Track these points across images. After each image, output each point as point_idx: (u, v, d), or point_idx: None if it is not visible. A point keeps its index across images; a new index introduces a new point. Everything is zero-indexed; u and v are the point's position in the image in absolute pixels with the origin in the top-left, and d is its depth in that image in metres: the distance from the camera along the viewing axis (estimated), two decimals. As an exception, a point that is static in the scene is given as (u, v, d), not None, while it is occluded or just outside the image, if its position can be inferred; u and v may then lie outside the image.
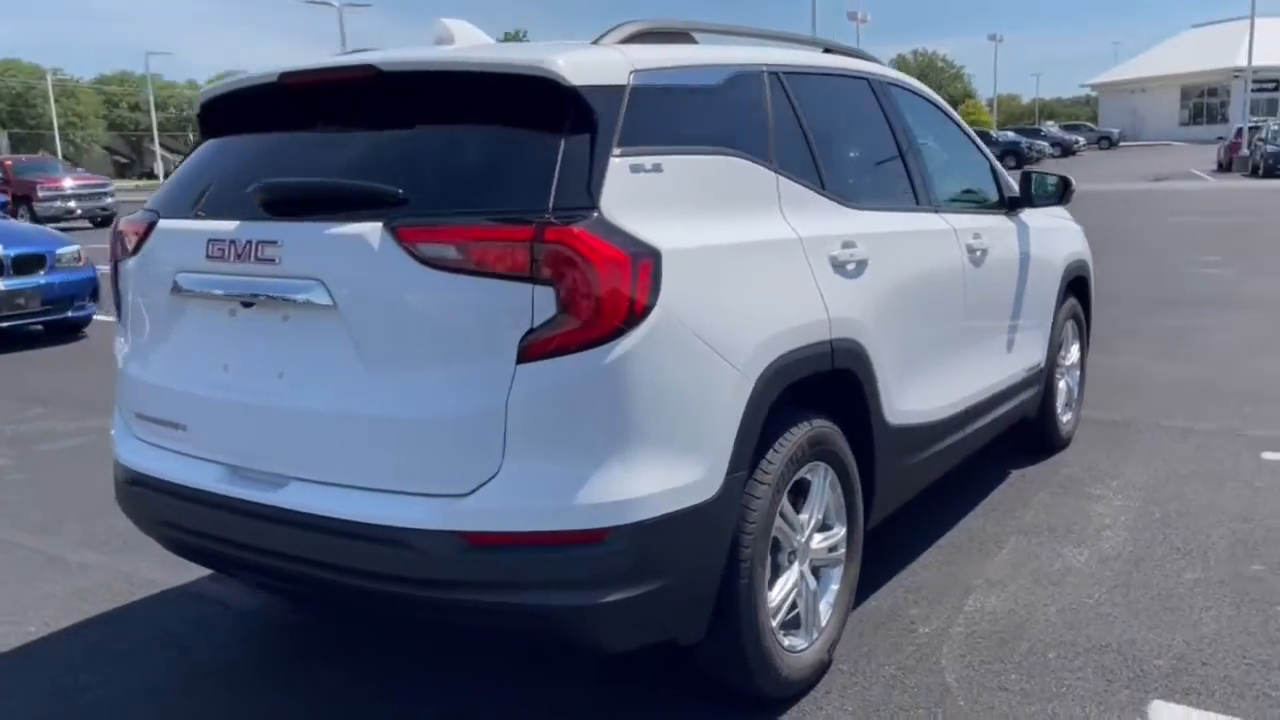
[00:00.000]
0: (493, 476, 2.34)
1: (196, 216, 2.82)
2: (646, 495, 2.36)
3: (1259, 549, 3.89)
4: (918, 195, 3.78)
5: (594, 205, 2.34)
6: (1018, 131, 54.57)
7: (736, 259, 2.67)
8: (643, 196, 2.45)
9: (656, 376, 2.37)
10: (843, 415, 3.06)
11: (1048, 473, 4.89)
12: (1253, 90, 64.43)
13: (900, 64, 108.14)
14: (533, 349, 2.30)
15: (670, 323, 2.39)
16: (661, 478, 2.39)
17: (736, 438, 2.56)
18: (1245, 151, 34.22)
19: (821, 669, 3.01)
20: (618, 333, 2.30)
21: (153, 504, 2.90)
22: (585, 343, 2.29)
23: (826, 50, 3.83)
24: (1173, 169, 35.85)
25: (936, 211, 3.85)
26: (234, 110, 3.00)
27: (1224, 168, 35.41)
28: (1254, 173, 31.35)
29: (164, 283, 2.81)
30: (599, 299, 2.27)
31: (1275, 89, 59.92)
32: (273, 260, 2.54)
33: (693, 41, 3.08)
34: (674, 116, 2.73)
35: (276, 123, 2.88)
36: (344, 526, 2.45)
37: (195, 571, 3.90)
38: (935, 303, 3.69)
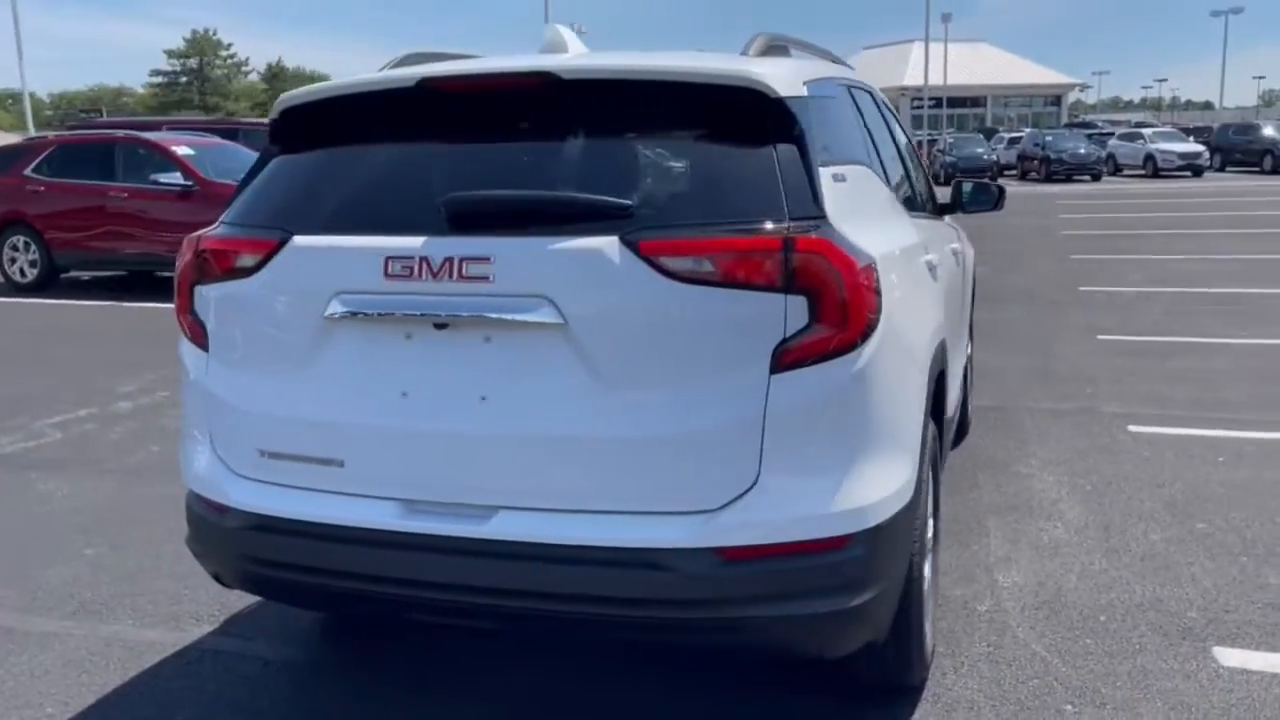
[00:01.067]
0: (749, 489, 2.31)
1: (344, 232, 2.56)
2: (879, 499, 2.41)
3: (1191, 509, 4.46)
4: (919, 201, 4.04)
5: (823, 215, 2.36)
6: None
7: (906, 263, 2.79)
8: (844, 206, 2.49)
9: (886, 380, 2.43)
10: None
11: (972, 456, 5.32)
12: (924, 107, 71.69)
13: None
14: (786, 358, 2.29)
15: (889, 327, 2.45)
16: (885, 481, 2.45)
17: (921, 435, 2.67)
18: (926, 161, 38.19)
19: (933, 655, 3.16)
20: (863, 339, 2.34)
21: (288, 550, 2.59)
22: (835, 350, 2.31)
23: (834, 61, 4.00)
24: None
25: (925, 216, 4.13)
26: (348, 116, 2.75)
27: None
28: (936, 181, 35.03)
29: (311, 306, 2.53)
30: (847, 306, 2.30)
31: (936, 106, 66.95)
32: (484, 278, 2.37)
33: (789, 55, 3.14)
34: (832, 128, 2.80)
35: (415, 130, 2.68)
36: (579, 553, 2.34)
37: (192, 628, 3.50)
38: (934, 302, 3.98)
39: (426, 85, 2.59)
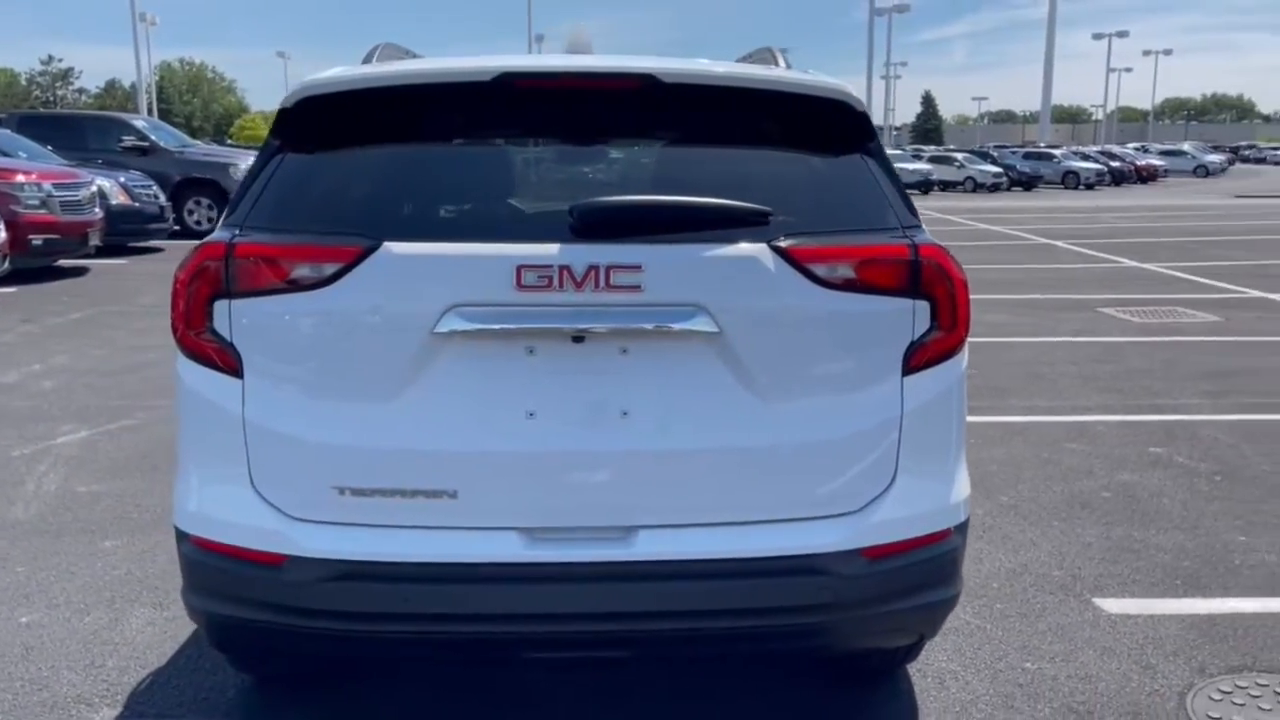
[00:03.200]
0: (887, 489, 2.41)
1: (448, 238, 2.30)
2: (966, 494, 2.61)
3: (984, 485, 5.13)
4: None
5: (920, 224, 2.51)
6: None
7: None
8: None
9: (966, 381, 2.63)
10: None
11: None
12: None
13: (166, 72, 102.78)
14: (915, 360, 2.42)
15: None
16: (966, 477, 2.64)
17: None
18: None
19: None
20: (964, 341, 2.52)
21: (388, 598, 2.28)
22: (948, 352, 2.47)
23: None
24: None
25: None
26: (408, 107, 2.46)
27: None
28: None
29: (414, 322, 2.27)
30: (957, 309, 2.47)
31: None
32: (635, 287, 2.26)
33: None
34: None
35: (495, 126, 2.49)
36: (736, 566, 2.32)
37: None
38: None
39: (508, 79, 2.39)
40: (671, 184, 2.44)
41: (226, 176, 17.94)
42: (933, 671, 3.27)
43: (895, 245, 2.41)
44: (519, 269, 2.24)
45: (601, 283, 2.25)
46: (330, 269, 2.29)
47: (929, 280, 2.42)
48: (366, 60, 2.96)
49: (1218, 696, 3.15)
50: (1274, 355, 8.33)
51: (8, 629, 3.52)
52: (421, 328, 2.26)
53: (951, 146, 46.70)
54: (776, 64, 3.00)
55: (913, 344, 2.42)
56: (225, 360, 2.36)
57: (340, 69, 2.59)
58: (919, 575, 2.46)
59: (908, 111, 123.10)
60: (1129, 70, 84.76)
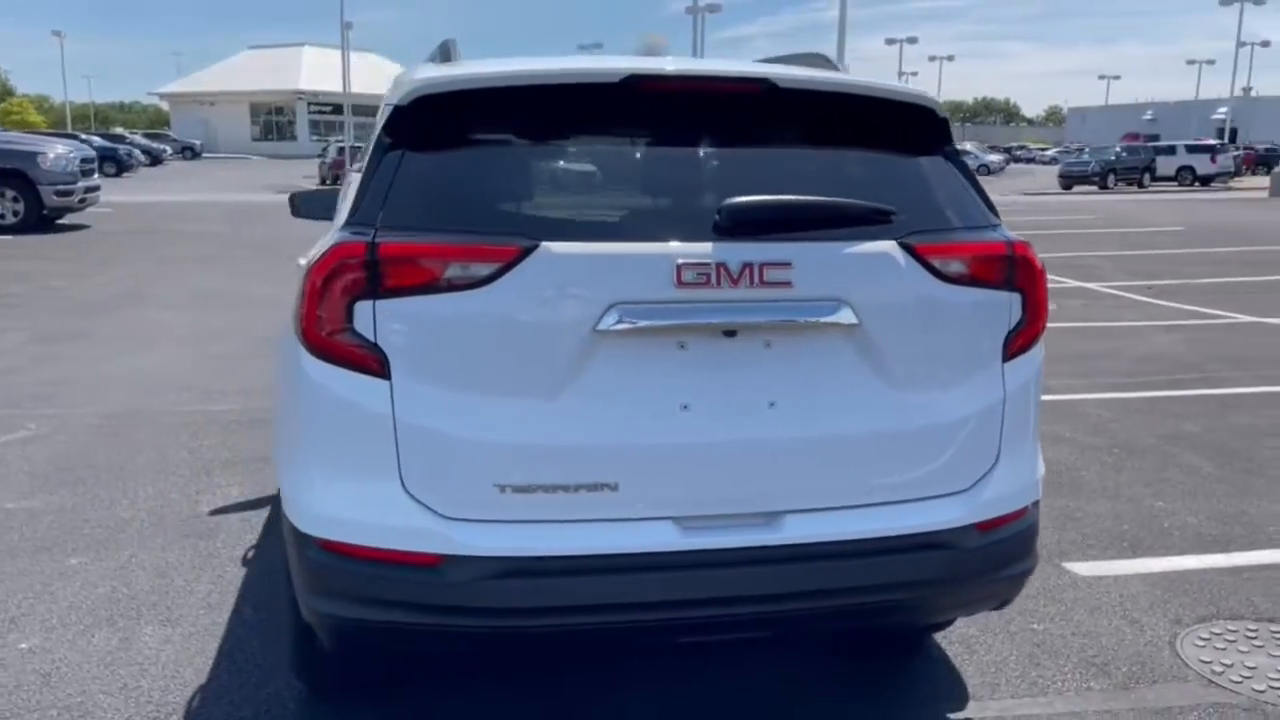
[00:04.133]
0: (992, 467, 2.63)
1: (601, 238, 2.36)
2: (1042, 472, 2.86)
3: (1068, 461, 5.47)
4: None
5: (1000, 222, 2.73)
6: (106, 137, 51.98)
7: None
8: None
9: None
10: None
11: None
12: (315, 112, 70.84)
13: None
14: (1012, 348, 2.64)
15: None
16: (1040, 456, 2.89)
17: None
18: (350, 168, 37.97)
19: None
20: (1044, 329, 2.76)
21: (553, 592, 2.32)
22: (1034, 340, 2.71)
23: None
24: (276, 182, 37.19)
25: None
26: (534, 107, 2.47)
27: (325, 182, 38.69)
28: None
29: (575, 319, 2.31)
30: (1040, 301, 2.71)
31: (334, 112, 66.81)
32: (786, 283, 2.38)
33: None
34: None
35: (624, 127, 2.53)
36: (875, 545, 2.47)
37: None
38: None
39: (635, 81, 2.45)
40: (787, 184, 2.54)
41: (34, 166, 16.64)
42: (956, 637, 3.53)
43: (996, 242, 2.63)
44: (679, 267, 2.31)
45: (755, 279, 2.35)
46: (488, 269, 2.28)
47: (1022, 274, 2.64)
48: (443, 58, 2.93)
49: (1199, 643, 3.56)
50: (1114, 339, 9.19)
51: (11, 656, 3.27)
52: (583, 325, 2.31)
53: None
54: (835, 69, 3.18)
55: (1010, 333, 2.64)
56: (368, 361, 2.31)
57: (450, 67, 2.58)
58: (1014, 547, 2.69)
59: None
60: (915, 74, 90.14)
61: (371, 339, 2.30)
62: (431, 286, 2.29)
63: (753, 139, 2.63)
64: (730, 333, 2.39)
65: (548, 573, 2.32)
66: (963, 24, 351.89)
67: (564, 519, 2.35)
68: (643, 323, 2.32)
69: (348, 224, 2.40)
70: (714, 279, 2.33)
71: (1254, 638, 3.59)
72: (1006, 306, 2.64)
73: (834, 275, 2.44)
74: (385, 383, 2.31)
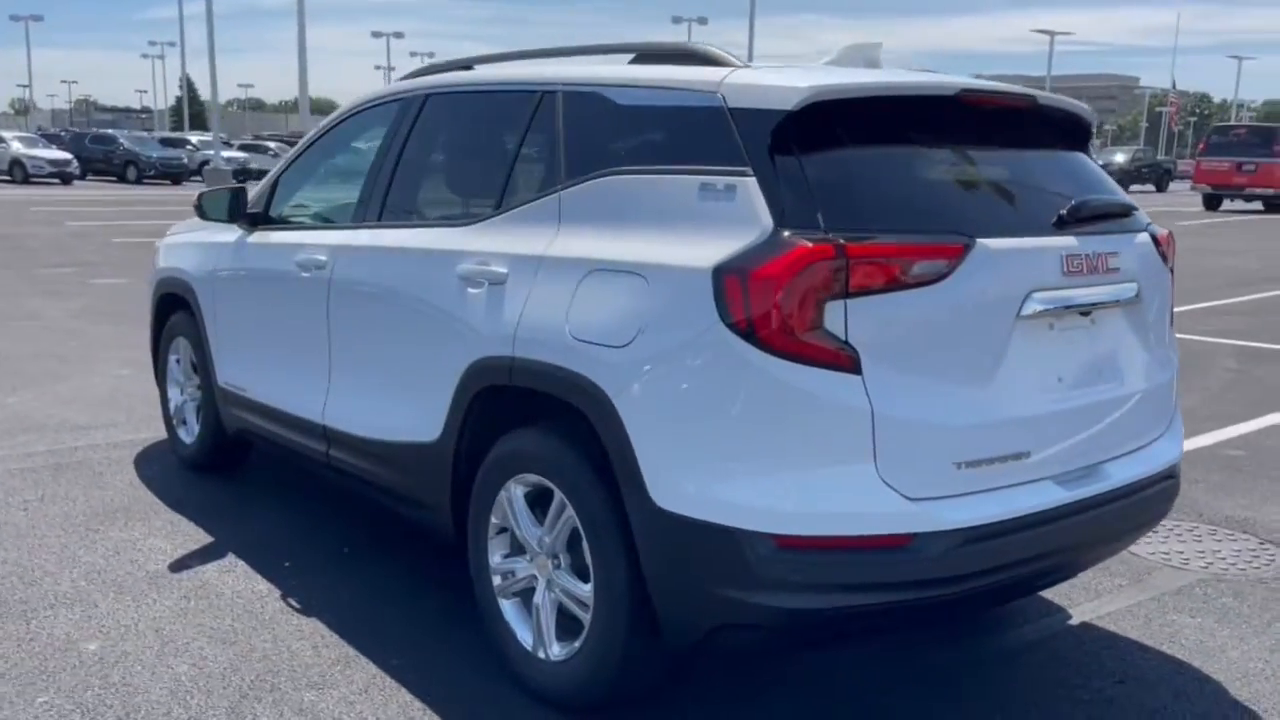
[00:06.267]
0: (1175, 414, 3.26)
1: (1001, 234, 2.67)
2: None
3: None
4: None
5: None
6: None
7: None
8: None
9: None
10: None
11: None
12: None
13: None
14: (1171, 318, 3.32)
15: None
16: None
17: None
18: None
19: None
20: None
21: (995, 553, 2.58)
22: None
23: None
24: None
25: None
26: (893, 115, 2.76)
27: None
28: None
29: (1006, 307, 2.64)
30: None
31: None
32: (1116, 269, 2.90)
33: None
34: None
35: (956, 134, 2.85)
36: (1150, 481, 2.99)
37: None
38: None
39: (966, 94, 2.80)
40: (1054, 182, 3.01)
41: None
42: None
43: (1164, 230, 3.22)
44: (1066, 258, 2.75)
45: (1104, 267, 2.85)
46: (943, 265, 2.51)
47: (1171, 256, 3.23)
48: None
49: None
50: None
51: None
52: (1010, 312, 2.64)
53: (222, 135, 39.09)
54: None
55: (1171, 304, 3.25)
56: (840, 358, 2.43)
57: (820, 78, 2.71)
58: (1175, 491, 3.21)
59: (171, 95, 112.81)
60: (393, 69, 72.28)
61: (843, 337, 2.43)
62: (895, 284, 2.47)
63: (1019, 144, 3.01)
64: (1085, 312, 2.84)
65: (994, 535, 2.55)
66: (455, 23, 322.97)
67: (998, 487, 2.62)
68: (1052, 307, 2.72)
69: (775, 225, 2.48)
70: (1086, 268, 2.80)
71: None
72: (1170, 282, 3.23)
73: (1130, 261, 2.97)
74: (858, 378, 2.44)
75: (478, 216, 3.31)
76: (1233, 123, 45.36)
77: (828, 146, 2.63)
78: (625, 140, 2.98)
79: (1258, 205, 27.94)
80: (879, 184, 2.69)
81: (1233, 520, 4.57)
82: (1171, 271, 3.23)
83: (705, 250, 2.54)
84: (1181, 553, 4.17)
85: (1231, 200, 28.32)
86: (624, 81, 3.02)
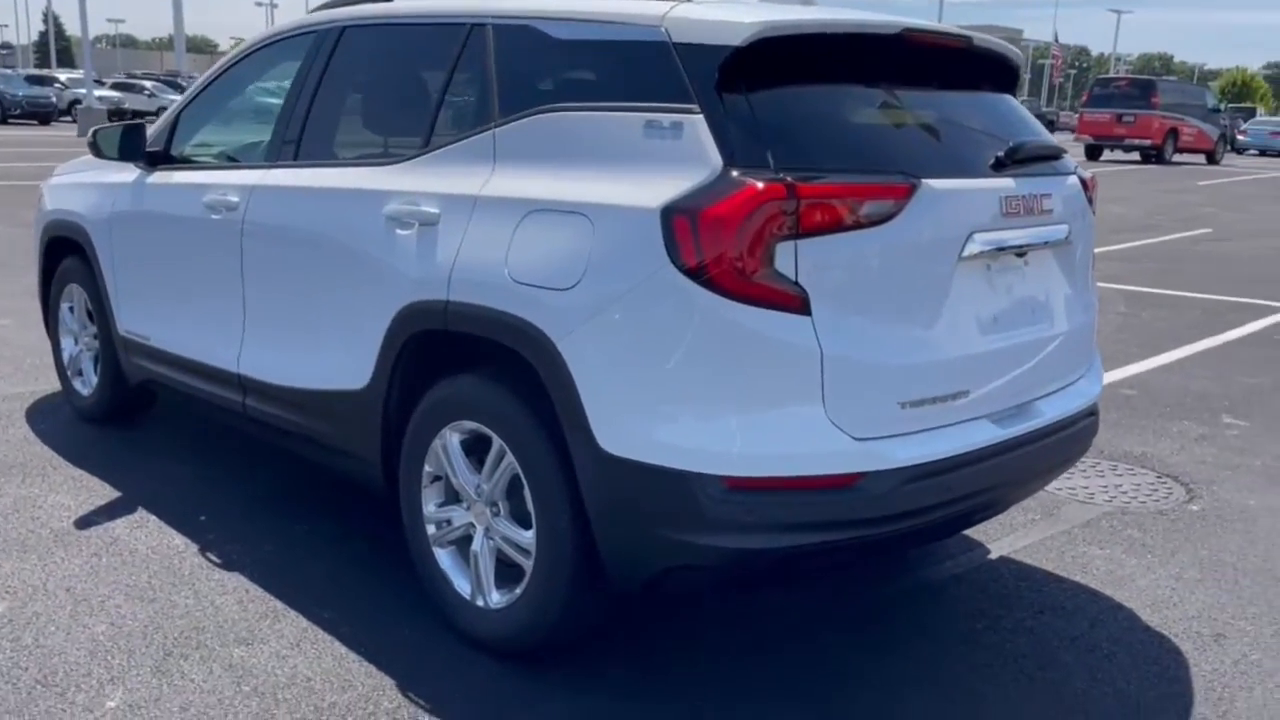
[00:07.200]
0: (1091, 366, 3.33)
1: (942, 175, 2.64)
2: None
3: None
4: None
5: None
6: None
7: None
8: None
9: None
10: None
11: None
12: None
13: None
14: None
15: None
16: None
17: None
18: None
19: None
20: None
21: (935, 490, 2.60)
22: None
23: None
24: None
25: None
26: (830, 54, 2.67)
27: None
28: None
29: (948, 248, 2.64)
30: None
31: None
32: (1049, 211, 2.94)
33: None
34: None
35: (892, 74, 2.81)
36: (1074, 419, 3.08)
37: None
38: None
39: (906, 35, 2.74)
40: (989, 124, 3.01)
41: None
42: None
43: (1090, 173, 3.31)
44: (1005, 199, 2.76)
45: (1038, 209, 2.88)
46: (890, 206, 2.48)
47: (1095, 200, 3.30)
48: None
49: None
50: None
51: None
52: (953, 253, 2.64)
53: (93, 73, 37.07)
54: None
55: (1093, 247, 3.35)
56: (789, 299, 2.39)
57: (765, 13, 2.62)
58: (1096, 428, 3.33)
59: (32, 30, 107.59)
60: (275, 6, 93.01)
61: (793, 278, 2.39)
62: (845, 225, 2.44)
63: (952, 85, 2.99)
64: (1021, 253, 2.86)
65: (937, 473, 2.58)
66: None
67: (938, 425, 2.63)
68: (991, 247, 2.73)
69: (729, 164, 2.42)
70: (1024, 209, 2.82)
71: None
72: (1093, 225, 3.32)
73: (1063, 202, 3.02)
74: (808, 319, 2.41)
75: (403, 155, 3.17)
76: (1113, 74, 47.01)
77: (775, 84, 2.57)
78: (563, 76, 2.89)
79: (1135, 156, 28.95)
80: (825, 123, 2.67)
81: (1131, 456, 4.78)
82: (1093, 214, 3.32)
83: (652, 190, 2.47)
84: (1087, 488, 4.36)
85: (1112, 150, 29.23)
86: (559, 15, 2.89)
